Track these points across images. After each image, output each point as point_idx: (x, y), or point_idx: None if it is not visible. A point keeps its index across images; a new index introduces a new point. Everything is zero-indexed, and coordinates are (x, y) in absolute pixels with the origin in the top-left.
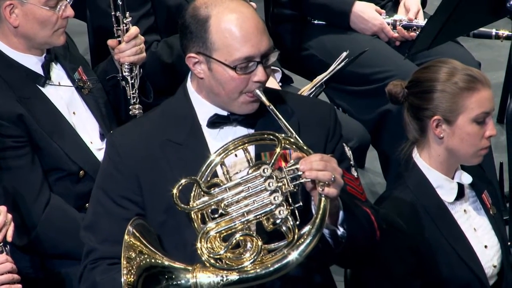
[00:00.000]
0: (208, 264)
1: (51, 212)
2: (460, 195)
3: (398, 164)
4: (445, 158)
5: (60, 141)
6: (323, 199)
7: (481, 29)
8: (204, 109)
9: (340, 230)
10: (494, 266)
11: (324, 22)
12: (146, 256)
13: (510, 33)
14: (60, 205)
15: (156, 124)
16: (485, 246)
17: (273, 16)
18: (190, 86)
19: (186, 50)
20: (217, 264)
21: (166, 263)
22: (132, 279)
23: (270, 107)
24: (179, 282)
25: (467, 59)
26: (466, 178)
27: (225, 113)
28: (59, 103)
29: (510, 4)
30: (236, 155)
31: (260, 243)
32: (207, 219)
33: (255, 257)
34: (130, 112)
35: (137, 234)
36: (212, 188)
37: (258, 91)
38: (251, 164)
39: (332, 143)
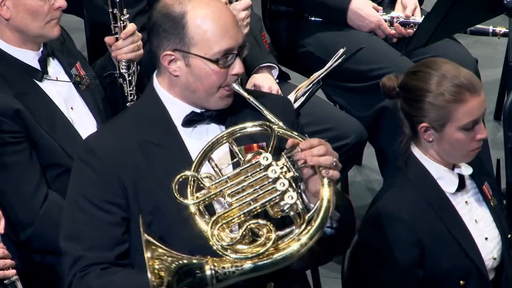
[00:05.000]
0: (221, 254)
1: (49, 208)
2: (461, 186)
3: (396, 158)
4: (440, 156)
5: (58, 136)
6: (325, 181)
7: (478, 26)
8: (177, 108)
9: (337, 214)
10: (494, 259)
11: (321, 19)
12: (167, 256)
13: (507, 30)
14: (58, 201)
15: (131, 127)
16: (486, 238)
17: (270, 13)
18: (158, 86)
19: (158, 49)
20: (231, 254)
21: (185, 261)
22: (159, 280)
23: (250, 99)
24: (197, 276)
25: (464, 56)
26: (466, 169)
27: (199, 110)
28: (57, 98)
29: (507, 1)
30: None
31: (273, 230)
32: (205, 214)
33: (270, 245)
34: None
35: (151, 237)
36: (208, 181)
37: (235, 85)
38: (240, 156)
39: None
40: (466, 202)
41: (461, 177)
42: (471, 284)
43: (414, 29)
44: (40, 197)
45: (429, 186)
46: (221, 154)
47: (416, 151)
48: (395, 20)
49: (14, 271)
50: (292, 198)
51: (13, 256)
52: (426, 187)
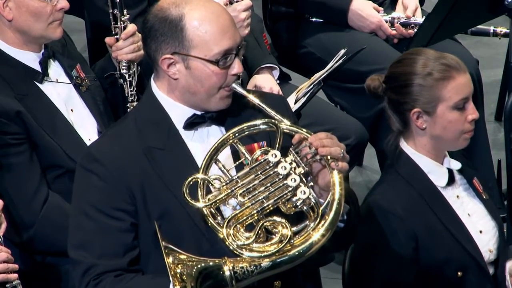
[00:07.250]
0: (238, 254)
1: (49, 210)
2: (451, 180)
3: (387, 156)
4: (432, 146)
5: (58, 138)
6: (335, 173)
7: (479, 26)
8: (177, 112)
9: (346, 207)
10: (490, 251)
11: (321, 20)
12: (187, 260)
13: (508, 31)
14: (58, 202)
15: (133, 133)
16: (480, 231)
17: (271, 13)
18: (157, 90)
19: (157, 53)
20: (248, 253)
21: (204, 264)
22: (182, 284)
23: (251, 98)
24: (218, 278)
25: (465, 57)
26: (455, 164)
27: (199, 113)
28: (57, 100)
29: (508, 1)
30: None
31: (288, 227)
32: (217, 215)
33: (286, 242)
34: (128, 110)
35: (169, 242)
36: (217, 183)
37: (235, 85)
38: (247, 156)
39: None
40: (457, 196)
41: (450, 172)
42: (470, 275)
43: (415, 30)
44: (40, 198)
45: (420, 180)
46: (225, 156)
47: (405, 147)
48: (396, 20)
49: (16, 275)
50: (304, 193)
51: (14, 257)
52: (417, 181)
